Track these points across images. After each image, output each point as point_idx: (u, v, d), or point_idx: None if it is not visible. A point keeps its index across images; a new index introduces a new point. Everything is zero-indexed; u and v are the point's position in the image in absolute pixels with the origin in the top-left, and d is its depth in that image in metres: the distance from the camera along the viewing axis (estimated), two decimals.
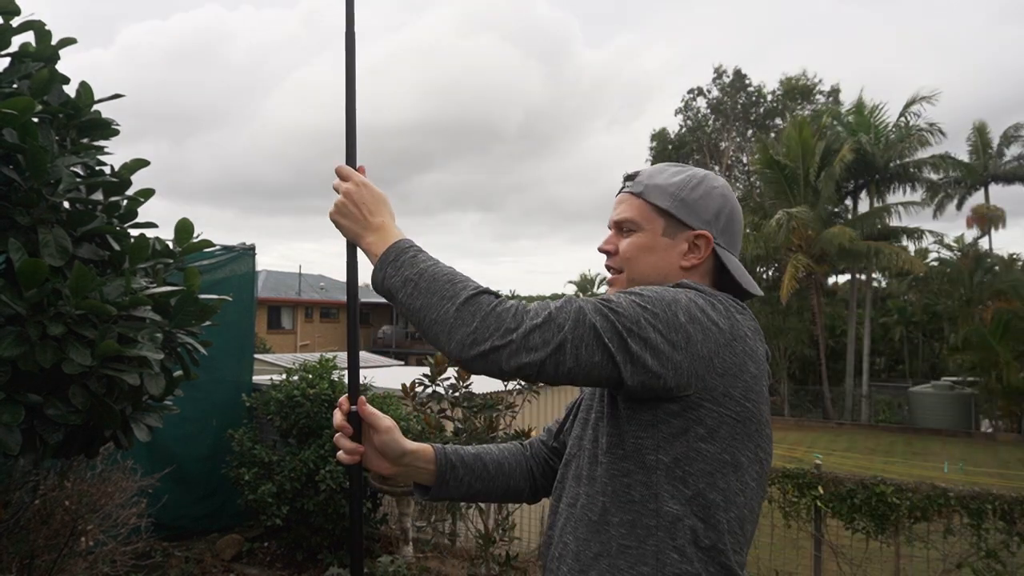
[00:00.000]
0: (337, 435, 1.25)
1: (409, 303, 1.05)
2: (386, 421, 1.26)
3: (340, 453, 1.25)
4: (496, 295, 1.03)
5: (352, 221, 1.18)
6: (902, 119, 23.62)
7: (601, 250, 1.28)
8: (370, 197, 1.19)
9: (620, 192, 1.28)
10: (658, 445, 1.05)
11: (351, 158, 1.26)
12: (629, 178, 1.27)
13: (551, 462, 1.43)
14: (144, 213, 2.36)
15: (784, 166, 23.60)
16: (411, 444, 1.30)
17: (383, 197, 1.20)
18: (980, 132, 25.46)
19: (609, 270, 1.28)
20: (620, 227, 1.25)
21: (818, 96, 30.90)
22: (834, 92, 30.13)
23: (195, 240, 2.43)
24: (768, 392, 1.15)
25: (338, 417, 1.25)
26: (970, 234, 26.98)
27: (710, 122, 32.86)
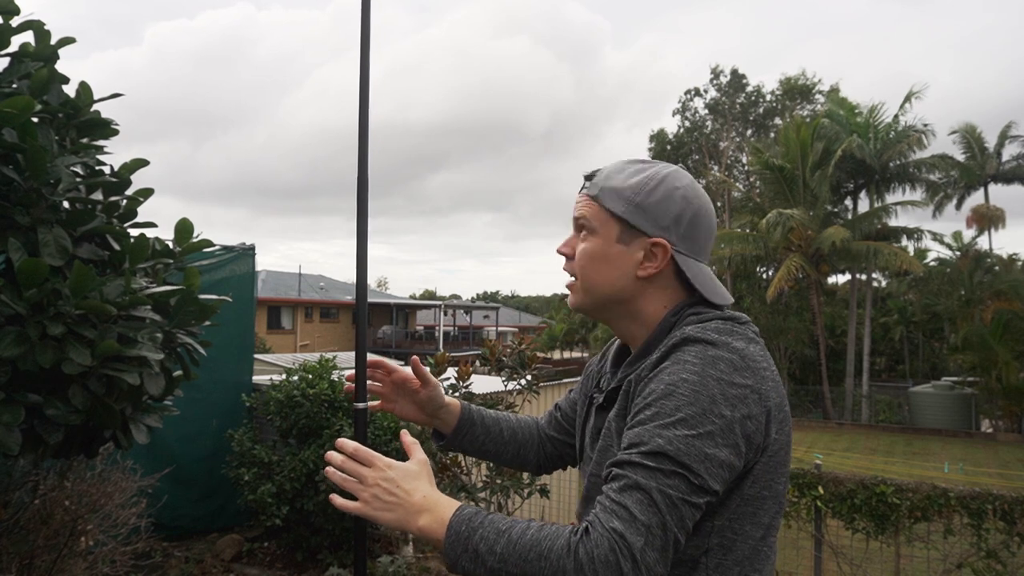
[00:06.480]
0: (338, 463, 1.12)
1: None
2: (434, 378, 1.43)
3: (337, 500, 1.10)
4: (578, 535, 0.94)
5: (393, 510, 1.05)
6: (903, 119, 23.63)
7: (559, 252, 1.23)
8: (403, 475, 1.07)
9: (579, 191, 1.21)
10: (714, 510, 1.03)
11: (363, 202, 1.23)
12: (588, 177, 1.21)
13: (547, 448, 1.49)
14: (155, 213, 2.35)
15: (782, 167, 23.61)
16: (448, 399, 1.45)
17: (413, 469, 1.08)
18: (970, 133, 25.48)
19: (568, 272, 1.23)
20: (578, 228, 1.20)
21: (817, 96, 30.92)
22: (833, 92, 30.18)
23: (195, 240, 2.43)
24: None
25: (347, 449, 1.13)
26: (969, 234, 27.04)
27: (708, 123, 32.88)
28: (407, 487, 1.05)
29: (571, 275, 1.22)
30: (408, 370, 1.42)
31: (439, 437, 1.48)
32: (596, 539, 0.92)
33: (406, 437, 1.17)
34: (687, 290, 1.16)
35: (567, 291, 1.25)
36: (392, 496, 1.05)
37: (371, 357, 1.46)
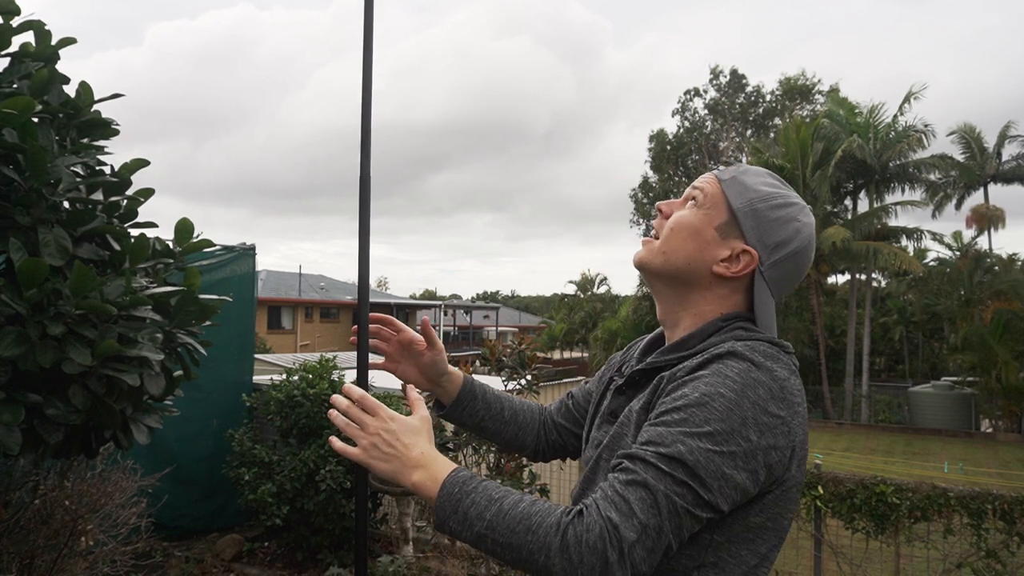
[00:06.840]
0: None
1: (493, 554, 1.00)
2: (440, 343, 1.43)
3: (336, 442, 1.12)
4: (570, 516, 0.94)
5: (390, 461, 1.06)
6: (902, 119, 23.63)
7: (658, 207, 1.23)
8: (404, 428, 1.08)
9: (710, 172, 1.23)
10: (715, 524, 1.02)
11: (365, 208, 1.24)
12: (726, 164, 1.22)
13: (551, 435, 1.49)
14: (155, 213, 2.36)
15: (782, 167, 23.61)
16: (451, 368, 1.45)
17: (415, 424, 1.09)
18: (970, 133, 25.50)
19: (651, 232, 1.24)
20: (687, 198, 1.19)
21: (817, 96, 30.92)
22: (833, 92, 30.18)
23: (195, 240, 2.43)
24: None
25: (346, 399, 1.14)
26: (969, 234, 27.05)
27: (708, 123, 32.89)
28: (406, 441, 1.06)
29: (655, 235, 1.21)
30: (416, 332, 1.42)
31: (439, 407, 1.47)
32: (588, 523, 0.91)
33: (411, 392, 1.18)
34: (747, 309, 1.16)
35: (640, 246, 1.23)
36: (390, 448, 1.06)
37: (379, 314, 1.44)
